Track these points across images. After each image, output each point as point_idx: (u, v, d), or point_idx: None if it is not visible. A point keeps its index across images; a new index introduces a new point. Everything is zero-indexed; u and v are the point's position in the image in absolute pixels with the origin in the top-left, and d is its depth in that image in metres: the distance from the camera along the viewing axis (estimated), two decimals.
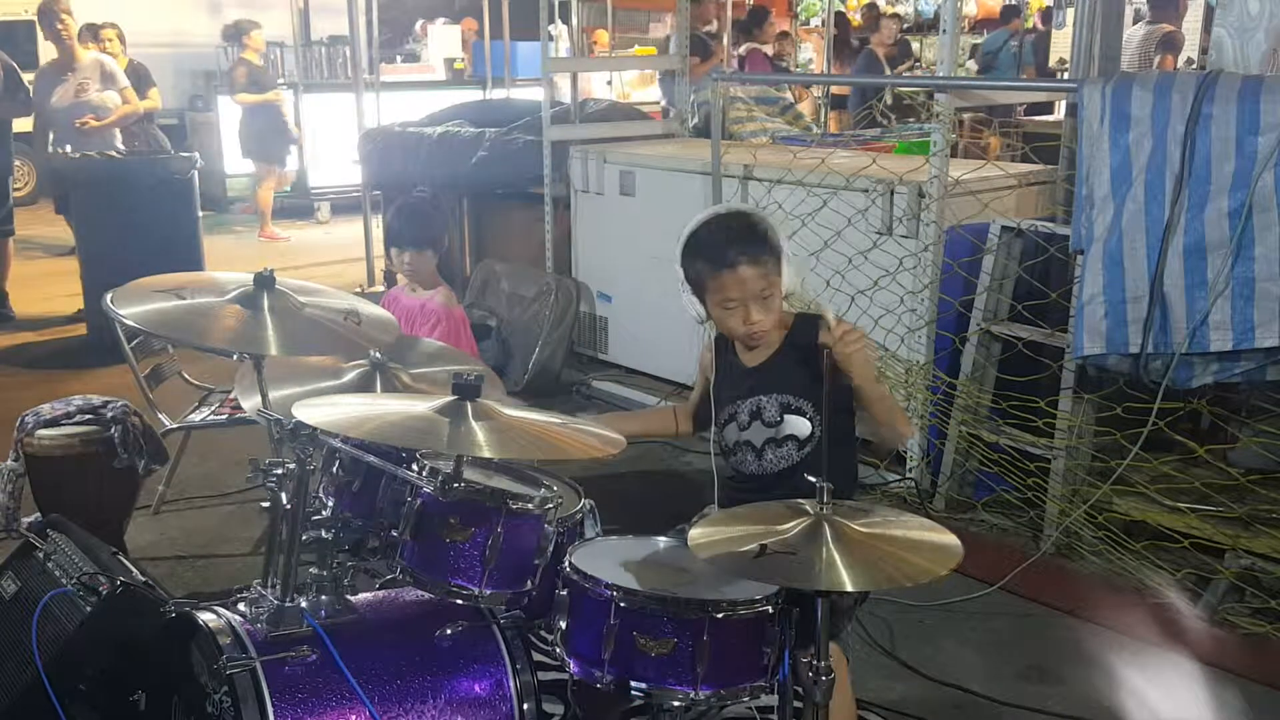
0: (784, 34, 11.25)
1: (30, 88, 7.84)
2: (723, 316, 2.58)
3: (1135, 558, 3.85)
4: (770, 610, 2.17)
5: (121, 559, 2.88)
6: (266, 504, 2.35)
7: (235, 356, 2.51)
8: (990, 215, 4.40)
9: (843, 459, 2.63)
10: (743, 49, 9.94)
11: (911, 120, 7.60)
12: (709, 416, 2.72)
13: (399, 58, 14.02)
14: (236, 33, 10.71)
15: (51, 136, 7.99)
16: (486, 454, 2.21)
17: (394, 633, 2.38)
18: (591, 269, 6.28)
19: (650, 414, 2.97)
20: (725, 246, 2.56)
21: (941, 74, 4.74)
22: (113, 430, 3.81)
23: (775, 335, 2.61)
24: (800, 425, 2.57)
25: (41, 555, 2.84)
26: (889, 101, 7.49)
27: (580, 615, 2.23)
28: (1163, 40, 8.13)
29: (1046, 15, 12.75)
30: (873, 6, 13.87)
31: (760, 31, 10.11)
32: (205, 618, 2.26)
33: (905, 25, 14.54)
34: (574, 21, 11.01)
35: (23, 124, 12.31)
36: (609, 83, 12.06)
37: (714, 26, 10.10)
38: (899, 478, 4.57)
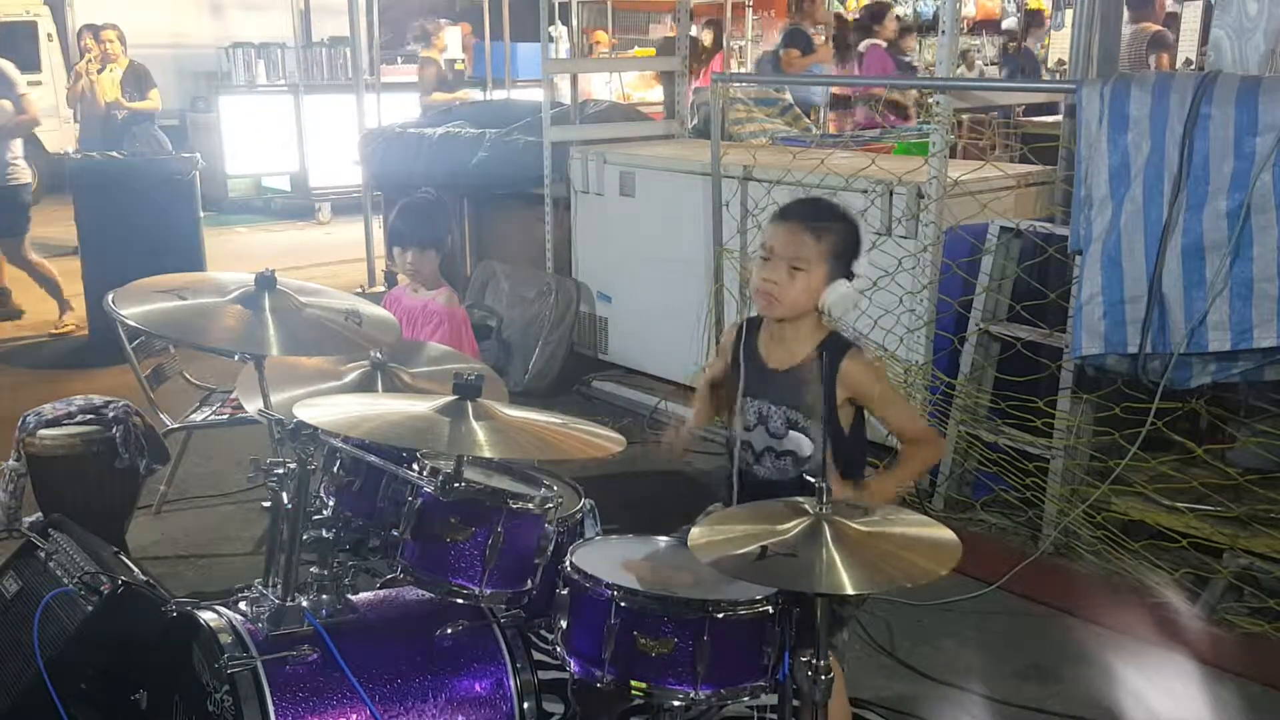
0: (906, 29, 10.84)
1: None
2: (758, 266, 2.58)
3: (1134, 557, 3.86)
4: (770, 610, 2.18)
5: (123, 558, 2.89)
6: (267, 503, 2.36)
7: (236, 357, 2.52)
8: (989, 216, 4.41)
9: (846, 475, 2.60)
10: (862, 45, 9.76)
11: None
12: (720, 402, 2.73)
13: (399, 59, 14.02)
14: (424, 34, 10.78)
15: None
16: (487, 454, 2.22)
17: (395, 632, 2.39)
18: (591, 269, 6.29)
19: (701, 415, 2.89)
20: (795, 205, 2.64)
21: (940, 75, 4.75)
22: (114, 430, 3.82)
23: (803, 346, 2.57)
24: (803, 444, 2.54)
25: (43, 555, 2.84)
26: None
27: (580, 615, 2.23)
28: (1153, 40, 8.11)
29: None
30: (870, 7, 13.84)
31: (880, 27, 9.89)
32: (206, 617, 2.27)
33: (904, 26, 14.49)
34: (574, 23, 11.02)
35: None
36: (607, 84, 12.07)
37: (819, 33, 9.84)
38: None
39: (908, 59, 10.15)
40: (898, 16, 14.44)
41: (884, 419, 2.59)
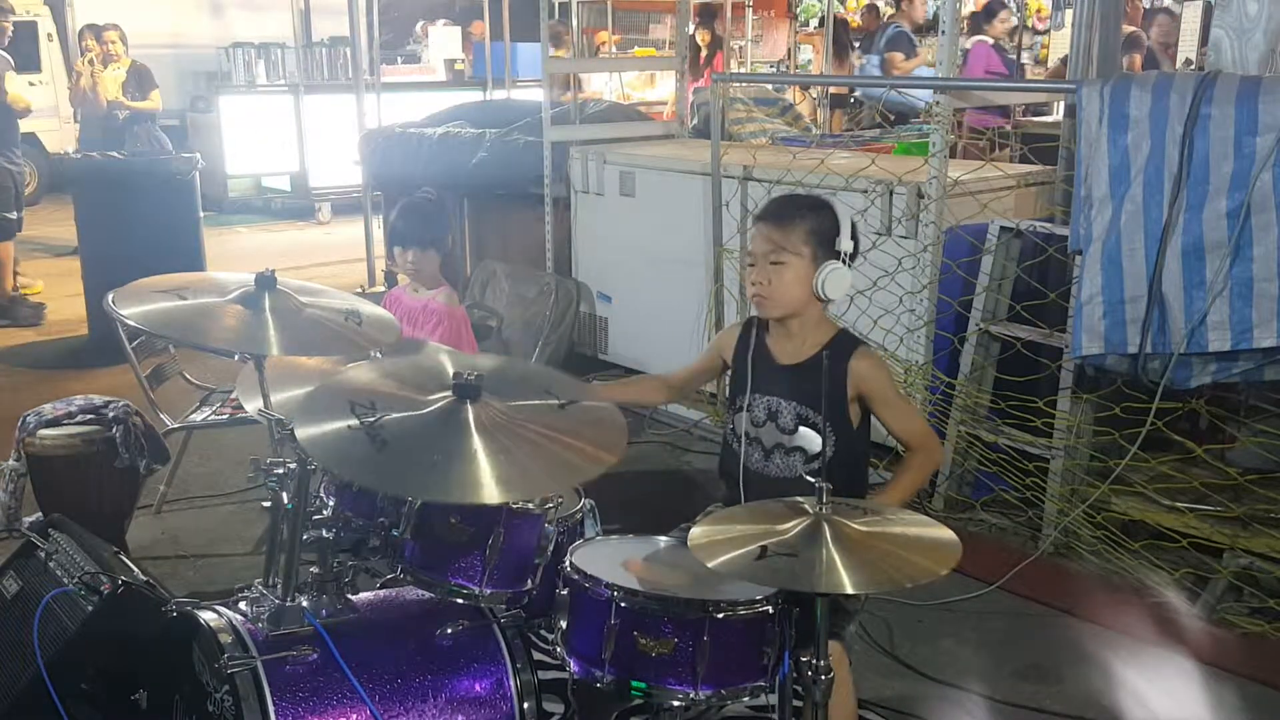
0: (1016, 27, 10.47)
1: None
2: (747, 273, 2.62)
3: (1133, 557, 3.86)
4: (770, 610, 2.18)
5: (123, 558, 2.89)
6: (268, 503, 2.37)
7: (236, 357, 2.52)
8: (989, 216, 4.41)
9: (850, 478, 2.59)
10: (968, 42, 9.60)
11: (912, 121, 7.61)
12: (691, 391, 2.74)
13: (399, 59, 14.03)
14: (553, 35, 10.85)
15: None
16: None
17: (395, 632, 2.39)
18: (591, 269, 6.29)
19: (638, 384, 2.94)
20: (765, 206, 2.66)
21: (940, 75, 4.75)
22: (114, 430, 3.82)
23: (811, 341, 2.58)
24: (813, 440, 2.54)
25: (43, 555, 2.85)
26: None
27: (580, 615, 2.24)
28: (1127, 40, 8.08)
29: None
30: (872, 7, 13.86)
31: (990, 25, 9.55)
32: (206, 617, 2.27)
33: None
34: (574, 23, 11.01)
35: (25, 123, 12.40)
36: (607, 84, 12.05)
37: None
38: None
39: (1015, 57, 9.71)
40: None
41: (885, 419, 2.58)
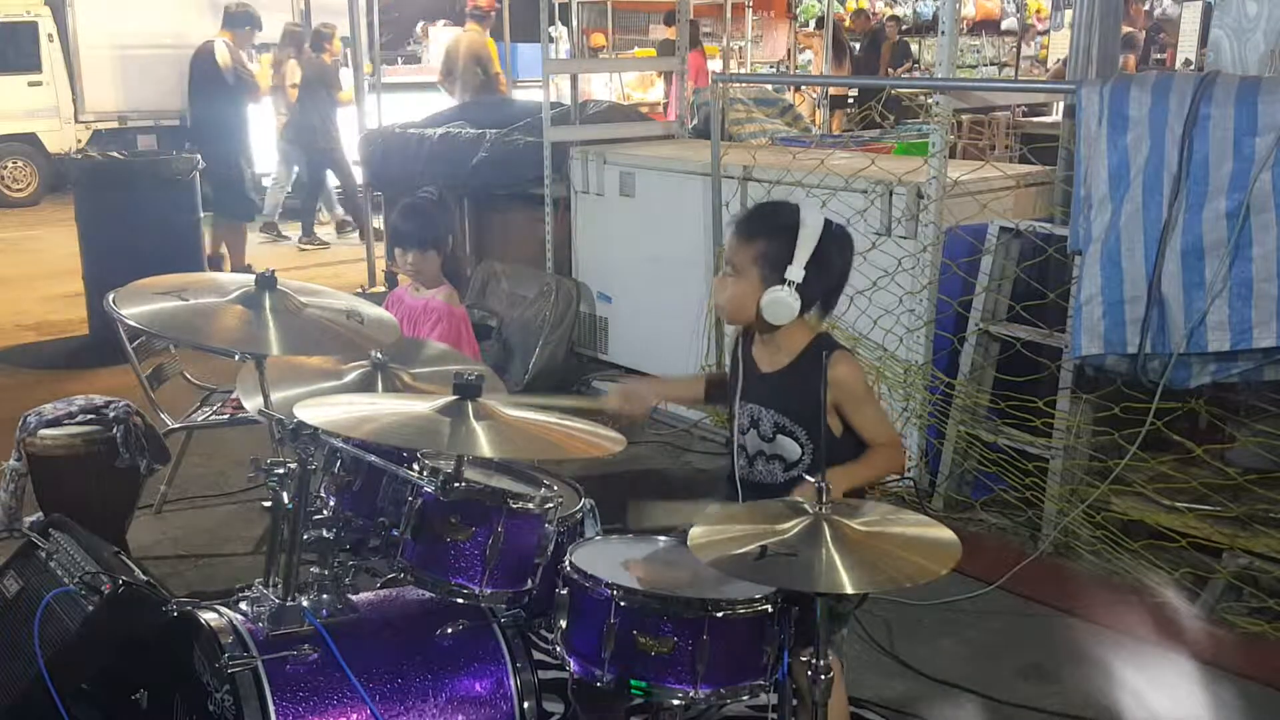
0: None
1: None
2: None
3: (1133, 557, 3.86)
4: (770, 609, 2.18)
5: (123, 558, 2.89)
6: (268, 503, 2.37)
7: (237, 357, 2.52)
8: (989, 216, 4.42)
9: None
10: None
11: (910, 121, 7.61)
12: (719, 396, 2.77)
13: (399, 59, 14.02)
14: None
15: None
16: (488, 454, 2.22)
17: (395, 631, 2.39)
18: (591, 269, 6.29)
19: (690, 381, 3.05)
20: (743, 213, 2.68)
21: (940, 75, 4.75)
22: (115, 430, 3.81)
23: (786, 349, 2.56)
24: (790, 448, 2.54)
25: (44, 555, 2.84)
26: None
27: (580, 614, 2.24)
28: (1122, 41, 8.06)
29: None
30: (861, 13, 13.90)
31: None
32: (207, 617, 2.27)
33: (904, 27, 14.52)
34: (574, 23, 11.03)
35: (25, 123, 12.42)
36: (607, 84, 12.06)
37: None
38: (898, 478, 4.57)
39: None
40: (896, 17, 14.42)
41: (855, 422, 2.54)
